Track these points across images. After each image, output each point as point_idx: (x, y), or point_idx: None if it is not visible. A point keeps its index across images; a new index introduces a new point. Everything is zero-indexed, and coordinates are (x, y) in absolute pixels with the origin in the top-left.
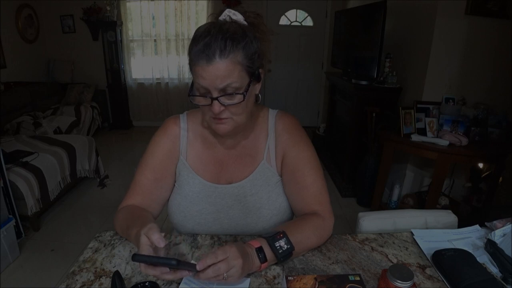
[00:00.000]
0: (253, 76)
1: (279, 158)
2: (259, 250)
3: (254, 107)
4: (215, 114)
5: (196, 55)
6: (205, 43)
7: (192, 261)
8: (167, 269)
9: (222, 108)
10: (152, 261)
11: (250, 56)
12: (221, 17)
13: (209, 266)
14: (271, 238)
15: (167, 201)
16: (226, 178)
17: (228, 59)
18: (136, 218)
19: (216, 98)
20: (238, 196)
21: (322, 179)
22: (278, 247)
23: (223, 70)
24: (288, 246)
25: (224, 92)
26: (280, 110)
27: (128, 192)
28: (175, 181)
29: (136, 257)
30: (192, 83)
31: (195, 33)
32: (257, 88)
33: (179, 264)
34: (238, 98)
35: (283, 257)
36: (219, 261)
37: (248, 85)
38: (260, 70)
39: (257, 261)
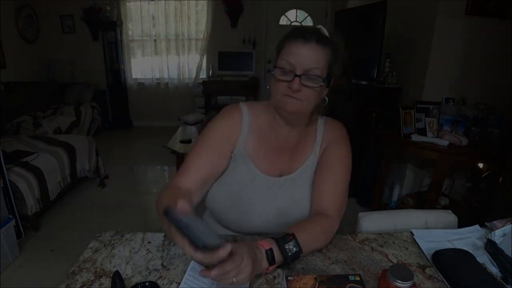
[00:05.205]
0: (329, 76)
1: (320, 154)
2: (269, 252)
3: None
4: (293, 90)
5: (293, 34)
6: (306, 29)
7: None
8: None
9: (301, 86)
10: (181, 224)
11: (333, 59)
12: None
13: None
14: (281, 239)
15: (212, 187)
16: (279, 170)
17: (321, 47)
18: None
19: (299, 76)
20: (287, 189)
21: (346, 184)
22: (287, 250)
23: (314, 53)
24: (297, 249)
25: (306, 72)
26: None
27: (179, 172)
28: (226, 167)
29: (169, 214)
30: (274, 66)
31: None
32: (325, 91)
33: (206, 248)
34: (317, 82)
35: (291, 260)
36: (231, 269)
37: (325, 78)
38: (332, 79)
39: (265, 263)
